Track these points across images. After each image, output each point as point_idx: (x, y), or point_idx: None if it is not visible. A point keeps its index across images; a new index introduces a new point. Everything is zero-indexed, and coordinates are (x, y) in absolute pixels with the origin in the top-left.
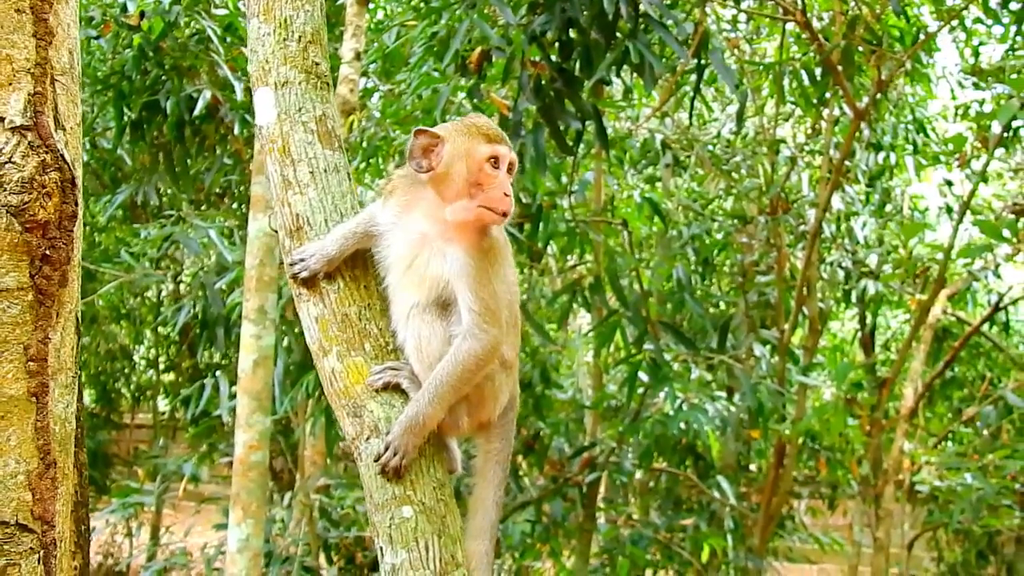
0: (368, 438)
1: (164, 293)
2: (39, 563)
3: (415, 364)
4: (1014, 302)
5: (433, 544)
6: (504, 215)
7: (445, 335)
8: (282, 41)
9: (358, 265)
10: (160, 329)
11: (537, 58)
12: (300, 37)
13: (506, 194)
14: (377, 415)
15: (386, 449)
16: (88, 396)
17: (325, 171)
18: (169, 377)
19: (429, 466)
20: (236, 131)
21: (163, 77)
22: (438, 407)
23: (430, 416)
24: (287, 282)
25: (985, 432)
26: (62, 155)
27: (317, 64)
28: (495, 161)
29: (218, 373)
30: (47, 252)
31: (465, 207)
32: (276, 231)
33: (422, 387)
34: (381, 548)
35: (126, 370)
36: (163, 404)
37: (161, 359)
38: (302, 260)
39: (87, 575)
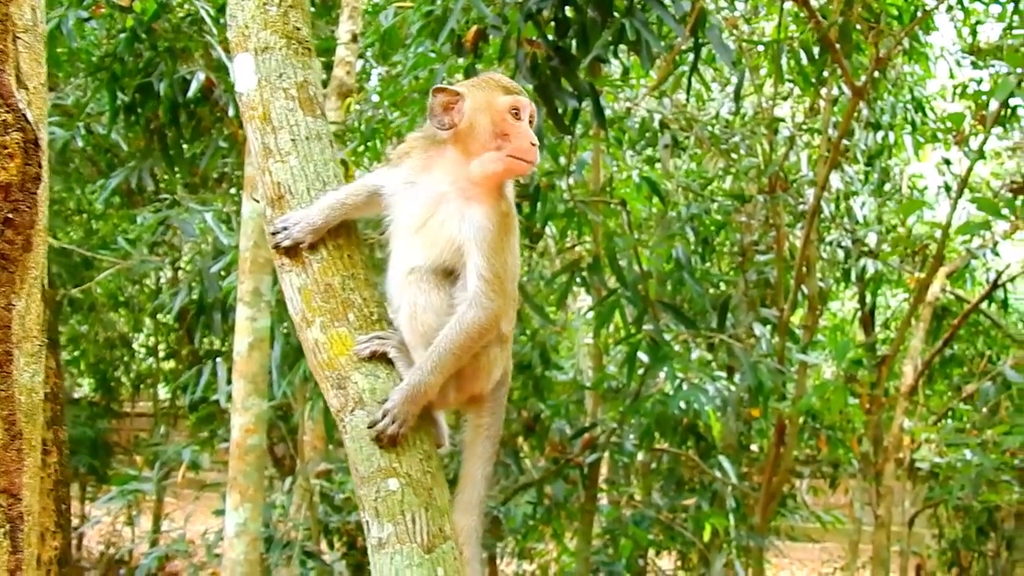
0: (353, 410)
1: (163, 280)
2: (5, 537)
3: (407, 333)
4: (1012, 279)
5: (420, 517)
6: (532, 163)
7: (442, 305)
8: (262, 5)
9: (341, 235)
10: (159, 316)
11: (533, 37)
12: (280, 1)
13: (532, 143)
14: (362, 386)
15: (383, 416)
16: (87, 385)
17: (307, 138)
18: (169, 365)
19: (416, 438)
20: (231, 113)
21: (156, 59)
22: (439, 376)
23: (431, 385)
24: (270, 252)
25: (984, 409)
26: (24, 115)
27: (298, 29)
28: (517, 111)
29: (218, 360)
30: (9, 215)
31: (493, 159)
32: (258, 200)
33: (424, 355)
34: (367, 522)
35: (125, 358)
36: (163, 392)
37: (161, 347)
38: (285, 229)
39: (68, 556)
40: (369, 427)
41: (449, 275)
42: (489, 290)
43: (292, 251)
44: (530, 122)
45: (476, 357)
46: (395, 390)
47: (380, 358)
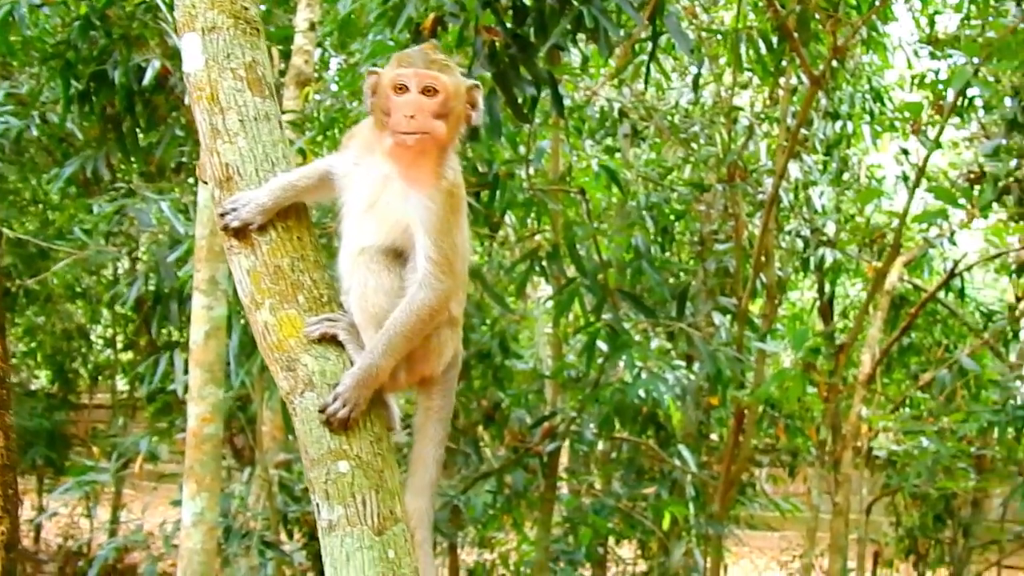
0: (303, 392)
1: (120, 270)
2: None
3: (357, 315)
4: (969, 268)
5: (371, 499)
6: (406, 135)
7: (393, 287)
8: None
9: (291, 216)
10: (116, 307)
11: (491, 24)
12: None
13: (405, 115)
14: (311, 368)
15: (334, 400)
16: (44, 376)
17: (255, 119)
18: (127, 355)
19: (366, 421)
20: (187, 101)
21: (111, 47)
22: (391, 359)
23: (383, 368)
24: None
25: (941, 397)
26: None
27: (246, 9)
28: (401, 87)
29: (175, 350)
30: None
31: (387, 136)
32: (206, 182)
33: (374, 338)
34: (317, 504)
35: (83, 349)
36: (121, 383)
37: (118, 337)
38: (234, 210)
39: (16, 540)
40: (320, 411)
41: (399, 256)
42: (438, 271)
43: (241, 232)
44: (427, 92)
45: (427, 339)
46: (346, 374)
47: (330, 340)
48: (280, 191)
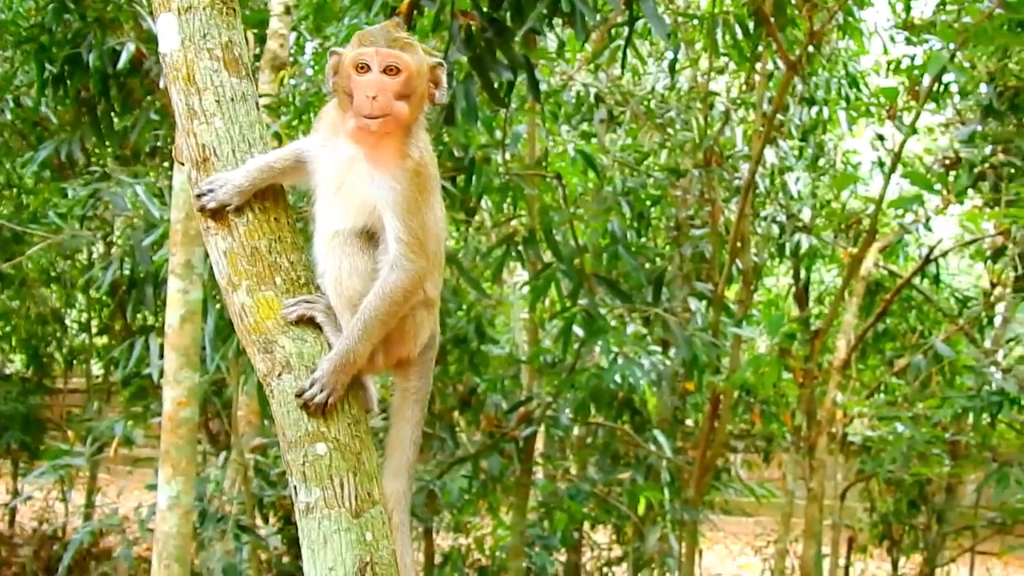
0: (280, 374)
1: (95, 254)
2: None
3: (332, 297)
4: (944, 254)
5: (348, 482)
6: (367, 118)
7: (367, 269)
8: None
9: (268, 198)
10: (91, 291)
11: (468, 8)
12: None
13: (367, 95)
14: (289, 350)
15: (311, 385)
16: (19, 360)
17: (232, 100)
18: (102, 340)
19: (344, 403)
20: (162, 85)
21: (85, 30)
22: (368, 343)
23: (360, 353)
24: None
25: (915, 382)
26: None
27: None
28: (362, 67)
29: (150, 334)
30: None
31: (350, 117)
32: (183, 163)
33: (350, 322)
34: (295, 487)
35: (58, 334)
36: (96, 367)
37: (93, 322)
38: (211, 191)
39: None
40: (297, 395)
41: (372, 238)
42: (409, 251)
43: (217, 214)
44: (390, 71)
45: (403, 321)
46: (324, 359)
47: (307, 322)
48: (257, 172)
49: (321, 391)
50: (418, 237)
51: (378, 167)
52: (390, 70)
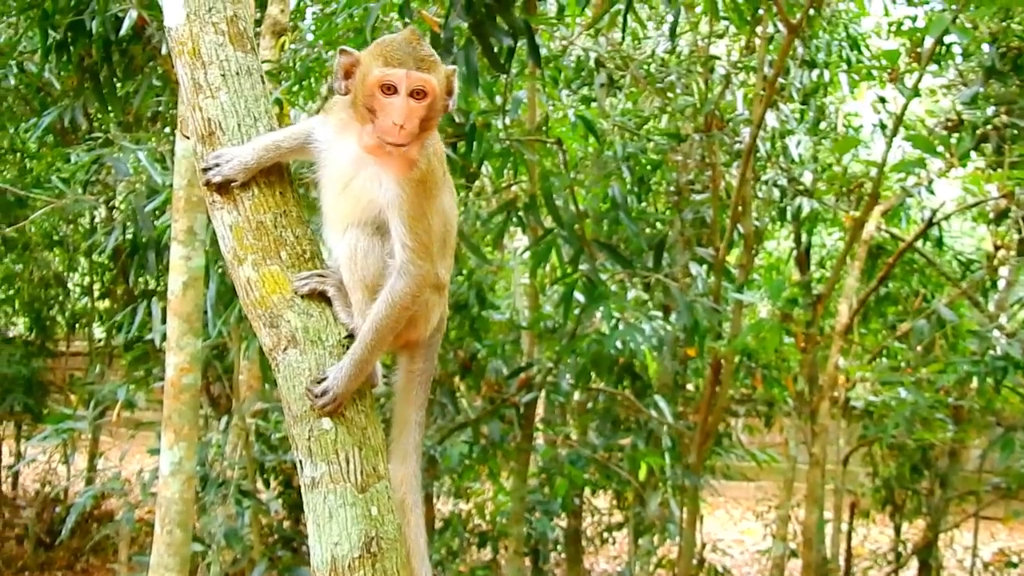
0: (286, 348)
1: (97, 219)
2: None
3: (345, 275)
4: (947, 218)
5: (354, 456)
6: (394, 145)
7: (379, 250)
8: None
9: (273, 172)
10: (94, 256)
11: None
12: None
13: (395, 122)
14: (295, 325)
15: (322, 394)
16: (22, 324)
17: (237, 74)
18: (104, 304)
19: None
20: (164, 52)
21: None
22: (379, 351)
23: (371, 361)
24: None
25: (918, 347)
26: None
27: None
28: (389, 87)
29: (153, 299)
30: None
31: (368, 132)
32: (188, 137)
33: (361, 332)
34: (300, 461)
35: (60, 297)
36: (98, 331)
37: (95, 286)
38: (217, 165)
39: None
40: (316, 396)
41: (382, 228)
42: (415, 257)
43: (223, 188)
44: (417, 95)
45: None
46: (336, 367)
47: (316, 296)
48: (263, 151)
49: (333, 401)
50: (423, 243)
51: (386, 172)
52: (417, 93)
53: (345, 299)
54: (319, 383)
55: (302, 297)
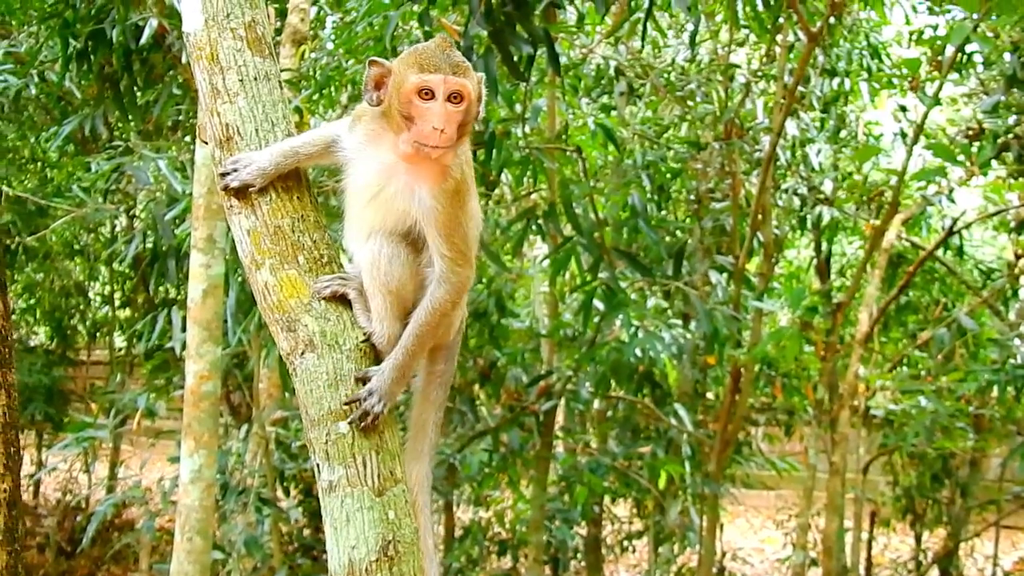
0: (303, 353)
1: (118, 228)
2: None
3: (367, 280)
4: (967, 226)
5: (371, 460)
6: (432, 148)
7: (404, 257)
8: None
9: (291, 176)
10: (114, 264)
11: None
12: None
13: (435, 127)
14: (312, 329)
15: (369, 395)
16: (43, 333)
17: (255, 79)
18: (124, 313)
19: None
20: (184, 60)
21: (108, 6)
22: (420, 355)
23: (411, 366)
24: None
25: (939, 356)
26: None
27: None
28: (426, 92)
29: (173, 307)
30: None
31: (404, 140)
32: (206, 142)
33: (403, 336)
34: (318, 465)
35: (81, 306)
36: (119, 340)
37: (116, 295)
38: (235, 170)
39: (17, 498)
40: (349, 403)
41: (408, 235)
42: (454, 266)
43: (241, 193)
44: (455, 99)
45: None
46: (380, 370)
47: (336, 299)
48: (282, 157)
49: (380, 403)
50: (461, 250)
51: (420, 182)
52: (454, 97)
53: (365, 303)
54: (363, 382)
55: (322, 300)
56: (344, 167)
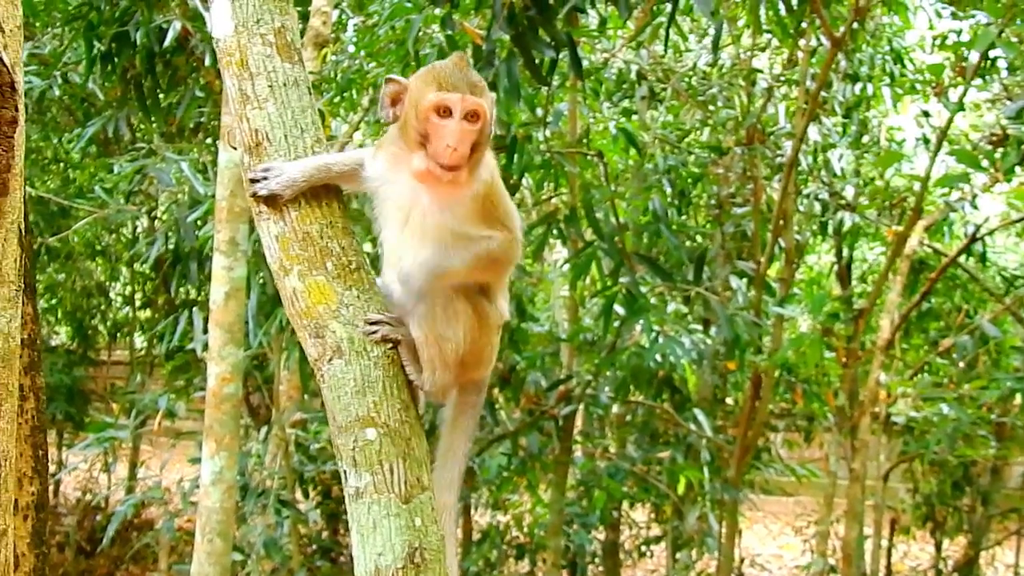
0: (331, 359)
1: (139, 229)
2: None
3: (419, 328)
4: (990, 233)
5: (398, 467)
6: (445, 168)
7: (462, 309)
8: None
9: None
10: (136, 265)
11: None
12: None
13: (449, 144)
14: (340, 335)
15: (408, 280)
16: (64, 333)
17: (284, 85)
18: (145, 313)
19: (393, 387)
20: (207, 63)
21: (132, 8)
22: (462, 270)
23: (453, 273)
24: (247, 200)
25: (961, 363)
26: (0, 58)
27: None
28: (444, 110)
29: (194, 309)
30: None
31: (421, 158)
32: (235, 148)
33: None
34: (345, 471)
35: (102, 307)
36: (139, 340)
37: (137, 295)
38: (265, 178)
39: (45, 501)
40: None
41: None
42: (507, 232)
43: (270, 201)
44: (471, 118)
45: (483, 346)
46: (416, 265)
47: (391, 341)
48: (313, 170)
49: (419, 295)
50: (505, 223)
51: (445, 199)
52: (471, 116)
53: (415, 356)
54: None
55: (350, 308)
56: (372, 197)
